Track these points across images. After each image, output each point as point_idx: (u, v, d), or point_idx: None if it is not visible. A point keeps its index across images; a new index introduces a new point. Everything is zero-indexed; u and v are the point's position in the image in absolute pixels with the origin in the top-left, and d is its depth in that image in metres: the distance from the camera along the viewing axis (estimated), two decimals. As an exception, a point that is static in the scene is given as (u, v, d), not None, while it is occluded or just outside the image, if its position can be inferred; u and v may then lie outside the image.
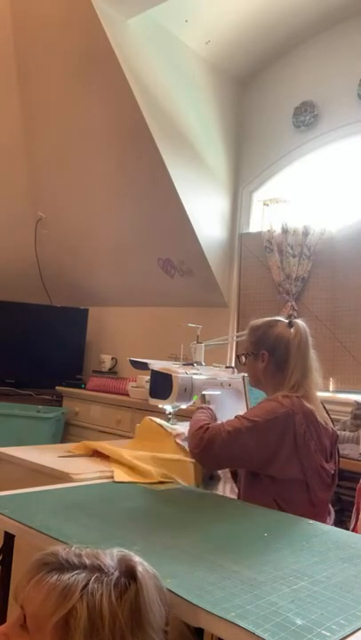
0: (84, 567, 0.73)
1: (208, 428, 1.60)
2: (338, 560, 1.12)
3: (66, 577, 0.71)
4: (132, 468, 1.71)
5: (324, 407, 1.74)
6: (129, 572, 0.74)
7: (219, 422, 1.68)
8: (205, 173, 3.44)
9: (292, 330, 1.72)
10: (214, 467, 1.75)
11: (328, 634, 0.80)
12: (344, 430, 2.55)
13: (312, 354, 1.72)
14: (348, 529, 1.82)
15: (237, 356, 1.87)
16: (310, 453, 1.56)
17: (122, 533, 1.18)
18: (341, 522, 2.12)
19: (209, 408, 1.88)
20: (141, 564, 0.76)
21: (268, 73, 3.58)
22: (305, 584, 0.98)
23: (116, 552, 0.77)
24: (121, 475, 1.68)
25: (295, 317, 1.79)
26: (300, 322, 1.75)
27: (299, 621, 0.83)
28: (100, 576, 0.72)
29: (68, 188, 3.74)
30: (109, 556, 0.76)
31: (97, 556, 0.75)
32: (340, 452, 2.32)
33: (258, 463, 1.58)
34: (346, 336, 3.00)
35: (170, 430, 1.96)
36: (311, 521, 1.42)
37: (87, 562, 0.74)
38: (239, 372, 2.24)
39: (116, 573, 0.73)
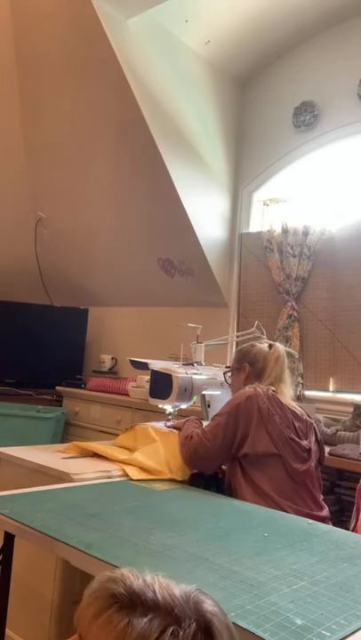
0: (157, 608, 0.64)
1: (193, 437, 1.80)
2: (338, 560, 1.12)
3: (139, 624, 0.62)
4: (142, 468, 1.72)
5: (302, 408, 1.89)
6: (207, 629, 0.64)
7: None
8: (205, 173, 3.44)
9: (271, 349, 1.93)
10: (208, 466, 1.82)
11: (328, 634, 0.80)
12: (344, 430, 2.55)
13: (288, 372, 1.92)
14: (348, 529, 1.82)
15: (224, 374, 2.08)
16: (276, 425, 1.72)
17: (122, 533, 1.18)
18: (341, 522, 2.12)
19: (198, 419, 2.02)
20: (217, 616, 0.67)
21: (268, 73, 3.58)
22: (305, 584, 0.98)
23: (193, 593, 0.68)
24: (135, 473, 1.69)
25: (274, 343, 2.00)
26: (279, 344, 1.96)
27: (299, 621, 0.83)
28: (176, 629, 0.62)
29: (68, 188, 3.74)
30: (184, 598, 0.66)
31: (172, 595, 0.66)
32: (341, 452, 2.33)
33: (238, 446, 1.73)
34: (346, 336, 3.00)
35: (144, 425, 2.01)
36: (311, 521, 1.42)
37: (160, 601, 0.65)
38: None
39: (193, 627, 0.63)
